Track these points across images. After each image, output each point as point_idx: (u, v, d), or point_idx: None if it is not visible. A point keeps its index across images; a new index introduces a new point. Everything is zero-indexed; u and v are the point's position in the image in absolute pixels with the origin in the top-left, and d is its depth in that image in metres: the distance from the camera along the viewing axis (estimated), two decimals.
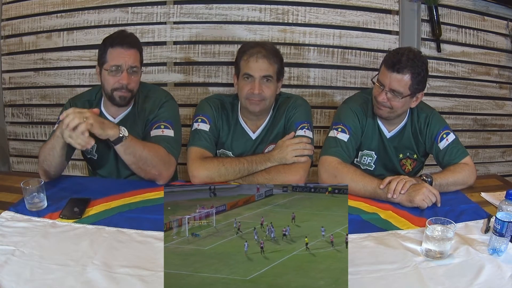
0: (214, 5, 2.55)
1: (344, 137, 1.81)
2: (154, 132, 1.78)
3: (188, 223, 1.49)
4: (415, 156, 1.93)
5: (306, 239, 1.31)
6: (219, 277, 1.21)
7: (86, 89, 1.99)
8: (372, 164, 1.93)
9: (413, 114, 1.88)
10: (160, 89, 1.97)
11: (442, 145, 1.81)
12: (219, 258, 1.31)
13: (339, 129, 1.83)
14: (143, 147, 1.66)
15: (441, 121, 1.87)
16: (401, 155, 1.92)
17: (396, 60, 1.69)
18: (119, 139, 1.59)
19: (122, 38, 1.72)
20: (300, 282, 1.17)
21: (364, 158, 1.93)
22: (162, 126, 1.79)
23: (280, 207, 1.77)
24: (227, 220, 1.61)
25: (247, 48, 1.81)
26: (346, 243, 1.18)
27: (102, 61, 1.72)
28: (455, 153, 1.79)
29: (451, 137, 1.82)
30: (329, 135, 1.85)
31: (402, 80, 1.70)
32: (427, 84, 1.78)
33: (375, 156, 1.92)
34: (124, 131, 1.60)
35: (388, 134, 1.89)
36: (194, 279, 1.19)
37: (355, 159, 1.93)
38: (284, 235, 1.38)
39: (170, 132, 1.79)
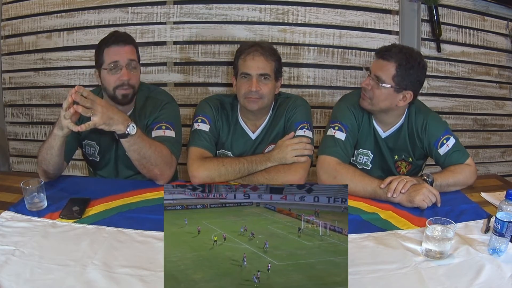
0: (214, 5, 2.55)
1: (342, 135, 1.81)
2: (155, 133, 1.78)
3: None
4: (410, 159, 1.91)
5: None
6: None
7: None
8: (368, 163, 1.92)
9: (410, 116, 1.85)
10: (162, 90, 1.97)
11: (442, 151, 1.79)
12: None
13: (336, 128, 1.82)
14: (149, 146, 1.65)
15: (440, 126, 1.83)
16: (396, 157, 1.91)
17: (386, 48, 1.74)
18: (125, 135, 1.59)
19: (116, 37, 1.74)
20: None
21: (360, 157, 1.92)
22: (164, 127, 1.79)
23: None
24: None
25: (244, 48, 1.82)
26: None
27: (100, 62, 1.73)
28: (456, 158, 1.78)
29: (451, 141, 1.79)
30: (326, 133, 1.85)
31: (385, 67, 1.71)
32: (426, 84, 1.77)
33: (371, 155, 1.91)
34: (132, 129, 1.58)
35: (383, 134, 1.88)
36: None
37: (352, 158, 1.91)
38: None
39: (171, 133, 1.79)
